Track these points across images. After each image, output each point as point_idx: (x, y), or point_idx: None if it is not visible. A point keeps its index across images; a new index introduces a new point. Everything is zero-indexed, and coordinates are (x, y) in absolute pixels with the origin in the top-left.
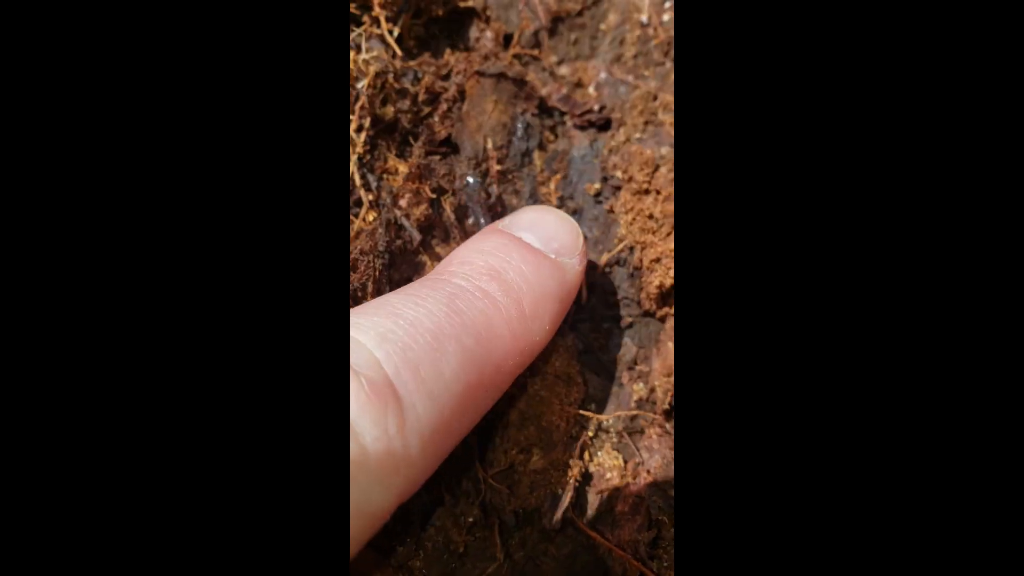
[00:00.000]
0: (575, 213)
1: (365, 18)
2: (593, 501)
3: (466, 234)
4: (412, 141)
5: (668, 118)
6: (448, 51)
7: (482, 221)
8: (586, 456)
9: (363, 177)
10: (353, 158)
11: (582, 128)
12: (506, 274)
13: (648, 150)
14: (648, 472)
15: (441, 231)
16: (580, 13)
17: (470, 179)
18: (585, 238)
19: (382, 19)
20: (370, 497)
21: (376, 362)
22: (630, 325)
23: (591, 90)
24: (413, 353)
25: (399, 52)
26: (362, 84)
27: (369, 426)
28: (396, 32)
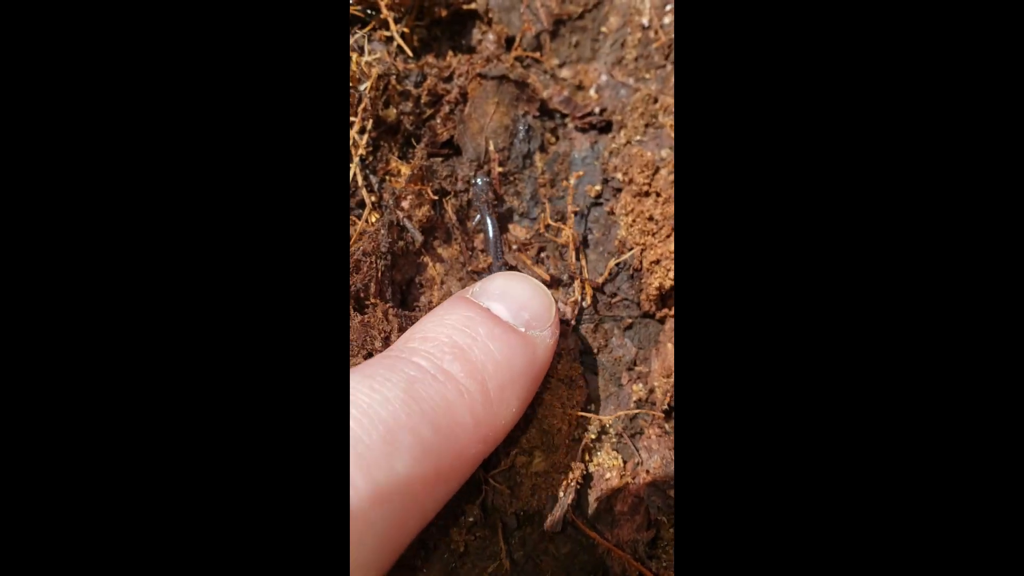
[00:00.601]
0: (576, 215)
1: (372, 20)
2: (592, 501)
3: (468, 235)
4: (414, 143)
5: (668, 120)
6: (450, 53)
7: (488, 221)
8: (586, 457)
9: (366, 179)
10: (356, 160)
11: (583, 130)
12: (471, 352)
13: (648, 152)
14: (647, 472)
15: (443, 232)
16: (581, 16)
17: (479, 180)
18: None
19: (391, 20)
20: None
21: None
22: (630, 326)
23: (592, 92)
24: (364, 447)
25: (410, 53)
26: (365, 86)
27: None
28: (401, 32)
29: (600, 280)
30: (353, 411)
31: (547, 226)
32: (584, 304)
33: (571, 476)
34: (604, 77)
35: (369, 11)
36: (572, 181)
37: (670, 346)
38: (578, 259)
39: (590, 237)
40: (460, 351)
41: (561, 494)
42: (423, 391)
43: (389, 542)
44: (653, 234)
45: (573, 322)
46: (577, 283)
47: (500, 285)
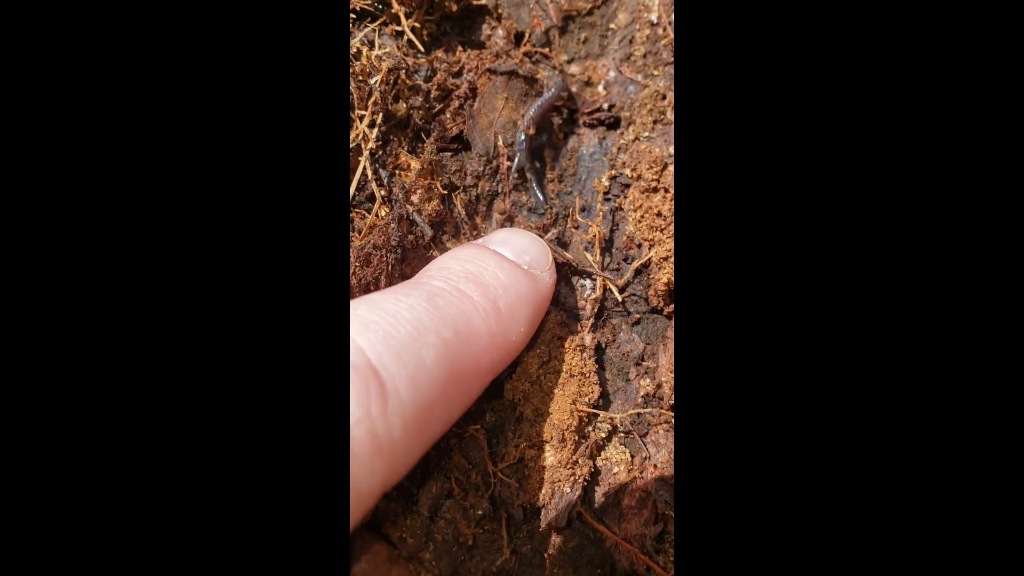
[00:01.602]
0: (583, 211)
1: (382, 15)
2: (600, 495)
3: (476, 230)
4: (424, 137)
5: None
6: (460, 48)
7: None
8: (594, 452)
9: (375, 173)
10: (365, 154)
11: (591, 126)
12: (482, 277)
13: (657, 148)
14: (655, 467)
15: (452, 227)
16: (590, 12)
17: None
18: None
19: (401, 15)
20: (354, 478)
21: (358, 348)
22: (637, 322)
23: (600, 89)
24: (394, 341)
25: (420, 48)
26: (375, 80)
27: (352, 407)
28: (411, 27)
29: (621, 282)
30: (381, 313)
31: (575, 223)
32: (605, 303)
33: (579, 471)
34: (613, 73)
35: (379, 5)
36: (604, 181)
37: None
38: (601, 256)
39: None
40: (473, 275)
41: (568, 488)
42: (442, 303)
43: (419, 427)
44: (661, 230)
45: (592, 320)
46: (599, 281)
47: (502, 235)
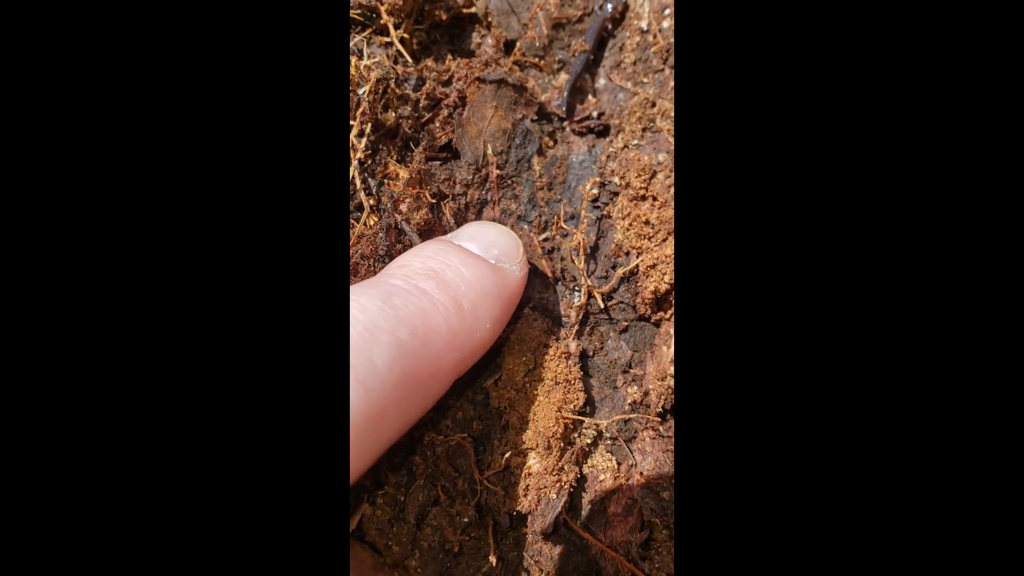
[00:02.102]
0: (572, 219)
1: (371, 24)
2: (586, 502)
3: None
4: (413, 146)
5: (666, 125)
6: (449, 57)
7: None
8: (580, 459)
9: (364, 182)
10: (354, 163)
11: (581, 134)
12: (444, 274)
13: (646, 156)
14: (641, 474)
15: (440, 235)
16: (580, 20)
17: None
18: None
19: (390, 25)
20: None
21: None
22: (625, 329)
23: (590, 96)
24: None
25: (409, 59)
26: (364, 90)
27: None
28: (400, 37)
29: (606, 289)
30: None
31: (560, 228)
32: (590, 309)
33: (565, 478)
34: (602, 81)
35: (369, 14)
36: (588, 187)
37: (665, 349)
38: (586, 264)
39: (587, 240)
40: (434, 272)
41: (554, 495)
42: (399, 301)
43: (370, 432)
44: (649, 238)
45: (576, 327)
46: (584, 289)
47: (470, 230)
